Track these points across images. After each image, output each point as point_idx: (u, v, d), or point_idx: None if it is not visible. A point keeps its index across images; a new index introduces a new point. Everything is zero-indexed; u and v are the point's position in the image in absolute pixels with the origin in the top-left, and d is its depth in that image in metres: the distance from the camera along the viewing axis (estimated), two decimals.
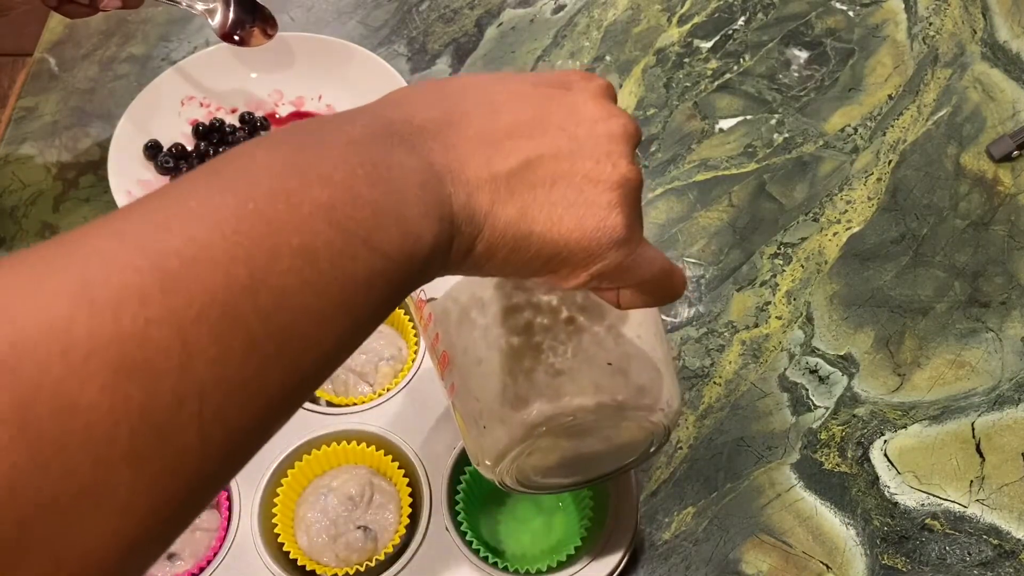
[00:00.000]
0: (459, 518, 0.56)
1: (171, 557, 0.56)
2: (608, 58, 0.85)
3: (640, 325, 0.44)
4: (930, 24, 0.86)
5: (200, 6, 0.73)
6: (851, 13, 0.88)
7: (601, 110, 0.35)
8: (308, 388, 0.28)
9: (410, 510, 0.57)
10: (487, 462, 0.44)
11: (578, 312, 0.43)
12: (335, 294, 0.28)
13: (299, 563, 0.55)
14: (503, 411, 0.42)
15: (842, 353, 0.67)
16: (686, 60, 0.85)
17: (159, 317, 0.23)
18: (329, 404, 0.61)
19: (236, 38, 0.74)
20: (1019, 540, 0.60)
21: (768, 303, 0.70)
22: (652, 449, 0.47)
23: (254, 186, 0.27)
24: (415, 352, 0.63)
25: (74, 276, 0.23)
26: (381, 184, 0.30)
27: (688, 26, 0.87)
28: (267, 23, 0.75)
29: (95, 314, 0.22)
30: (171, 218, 0.25)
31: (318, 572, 0.55)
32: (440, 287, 0.45)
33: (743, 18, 0.88)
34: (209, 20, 0.73)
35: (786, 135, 0.79)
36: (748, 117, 0.81)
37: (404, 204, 0.30)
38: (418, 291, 0.46)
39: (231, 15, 0.73)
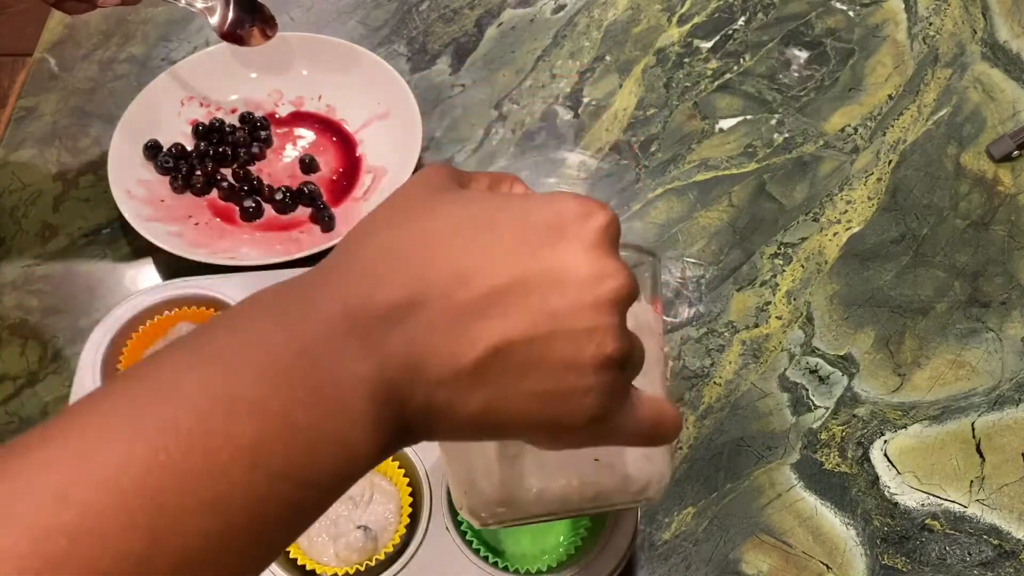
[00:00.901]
0: (459, 518, 0.56)
1: None
2: (608, 58, 0.85)
3: None
4: (930, 24, 0.86)
5: (199, 4, 0.73)
6: (851, 13, 0.88)
7: (592, 269, 0.30)
8: None
9: (410, 510, 0.57)
10: (469, 516, 0.44)
11: None
12: (248, 539, 0.26)
13: (299, 563, 0.55)
14: (487, 491, 0.42)
15: (842, 353, 0.67)
16: (686, 60, 0.85)
17: None
18: None
19: (235, 37, 0.74)
20: (1019, 540, 0.60)
21: (768, 303, 0.70)
22: (640, 506, 0.47)
23: (170, 431, 0.25)
24: None
25: None
26: (323, 406, 0.27)
27: (688, 26, 0.87)
28: (267, 23, 0.75)
29: None
30: (70, 480, 0.23)
31: (318, 572, 0.55)
32: None
33: (743, 18, 0.88)
34: (208, 18, 0.73)
35: (786, 135, 0.79)
36: (748, 117, 0.81)
37: (348, 426, 0.28)
38: None
39: (231, 14, 0.73)
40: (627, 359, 0.32)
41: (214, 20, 0.73)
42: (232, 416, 0.26)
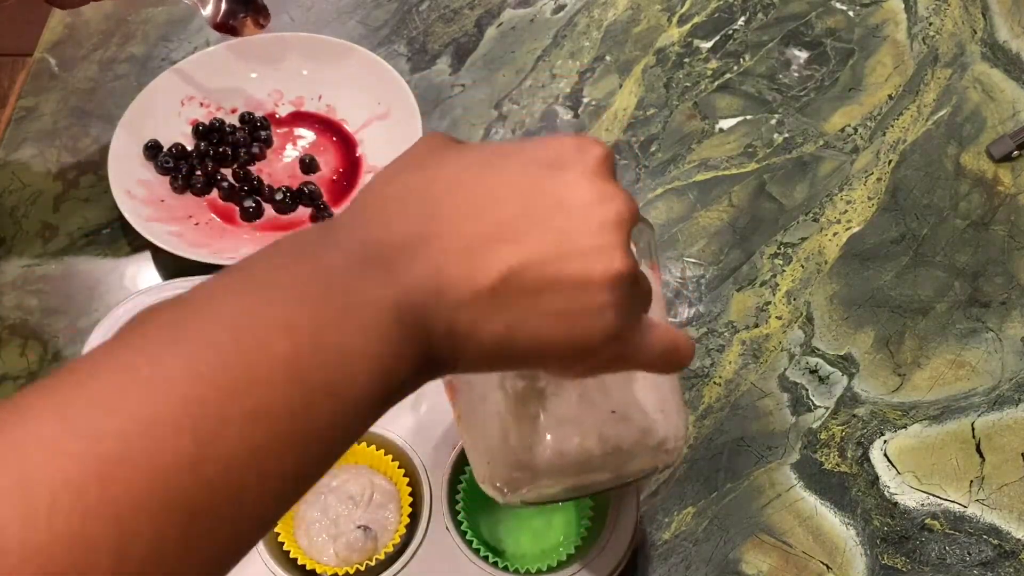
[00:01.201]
0: (459, 518, 0.56)
1: None
2: (608, 58, 0.85)
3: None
4: (930, 24, 0.86)
5: None
6: (851, 13, 0.88)
7: (594, 193, 0.32)
8: (261, 533, 0.28)
9: (410, 510, 0.57)
10: (493, 491, 0.45)
11: None
12: (290, 451, 0.27)
13: (299, 562, 0.55)
14: (506, 455, 0.42)
15: (842, 353, 0.67)
16: (686, 60, 0.85)
17: (95, 510, 0.23)
18: None
19: (229, 28, 0.74)
20: (1019, 540, 0.60)
21: (768, 303, 0.70)
22: (658, 473, 0.47)
23: (209, 346, 0.26)
24: None
25: (12, 471, 0.22)
26: (352, 324, 0.29)
27: (688, 26, 0.87)
28: (260, 13, 0.74)
29: (29, 516, 0.22)
30: (116, 392, 0.25)
31: (318, 572, 0.55)
32: None
33: (743, 18, 0.88)
34: (201, 10, 0.73)
35: (786, 135, 0.80)
36: (748, 117, 0.81)
37: (377, 343, 0.29)
38: None
39: (223, 5, 0.73)
40: (635, 276, 0.33)
41: (207, 11, 0.73)
42: (266, 334, 0.27)
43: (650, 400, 0.43)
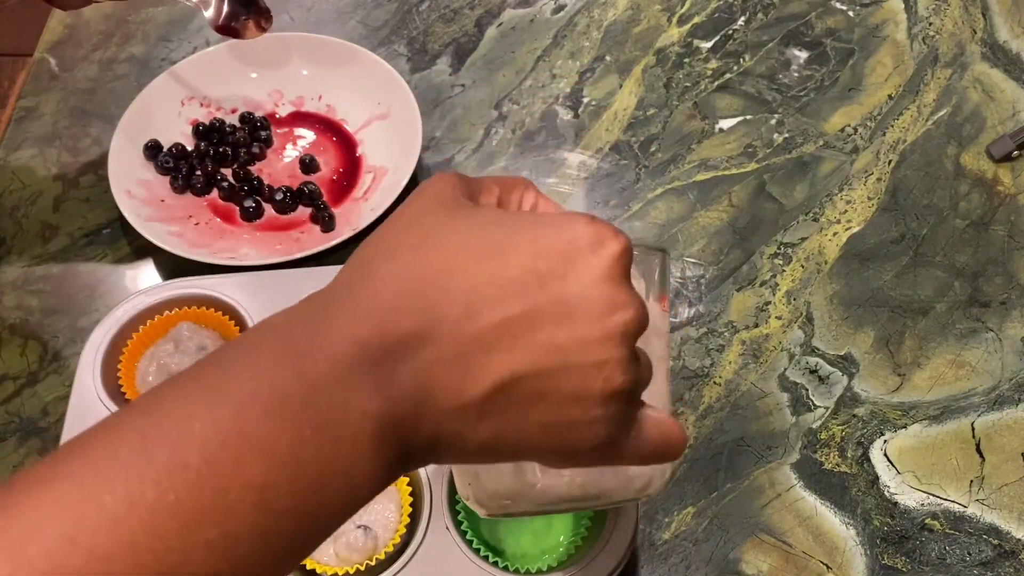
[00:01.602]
0: (459, 518, 0.56)
1: None
2: (608, 58, 0.85)
3: None
4: (930, 24, 0.86)
5: None
6: (851, 13, 0.88)
7: (602, 301, 0.30)
8: None
9: (410, 509, 0.57)
10: (473, 506, 0.44)
11: None
12: (252, 572, 0.26)
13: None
14: (489, 484, 0.42)
15: (842, 353, 0.67)
16: (686, 60, 0.85)
17: None
18: None
19: (230, 30, 0.74)
20: (1019, 540, 0.60)
21: (768, 303, 0.70)
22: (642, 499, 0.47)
23: (179, 470, 0.25)
24: None
25: None
26: (330, 445, 0.27)
27: (688, 26, 0.87)
28: (262, 15, 0.74)
29: None
30: (79, 522, 0.24)
31: (318, 571, 0.55)
32: None
33: (743, 18, 0.88)
34: (204, 11, 0.73)
35: (786, 135, 0.80)
36: (748, 117, 0.81)
37: (353, 462, 0.28)
38: None
39: (225, 7, 0.73)
40: (634, 390, 0.32)
41: (209, 13, 0.73)
42: (240, 455, 0.26)
43: None
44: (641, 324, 0.31)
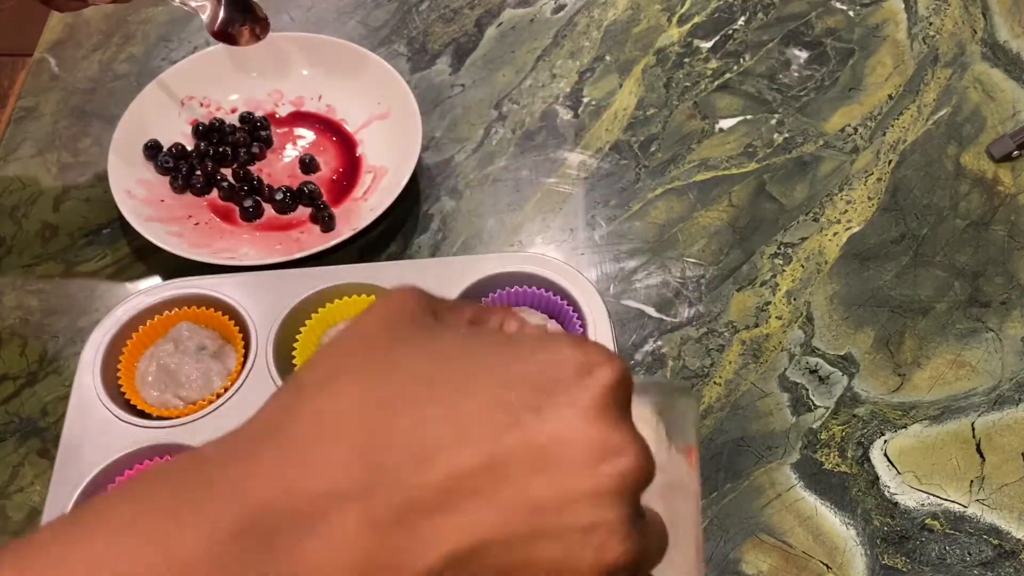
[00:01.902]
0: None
1: None
2: (608, 58, 0.85)
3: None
4: (930, 24, 0.86)
5: (192, 3, 0.73)
6: (851, 13, 0.88)
7: (591, 444, 0.23)
8: None
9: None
10: None
11: None
12: None
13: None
14: None
15: (842, 353, 0.67)
16: (686, 60, 0.85)
17: None
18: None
19: (227, 36, 0.74)
20: (1019, 540, 0.60)
21: (768, 303, 0.70)
22: None
23: None
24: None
25: None
26: None
27: (688, 26, 0.87)
28: (258, 23, 0.74)
29: None
30: None
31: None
32: None
33: (743, 18, 0.88)
34: (200, 16, 0.74)
35: (786, 135, 0.79)
36: (748, 117, 0.81)
37: None
38: None
39: (222, 12, 0.73)
40: (638, 564, 0.25)
41: (206, 18, 0.73)
42: None
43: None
44: (644, 473, 0.24)
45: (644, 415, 0.33)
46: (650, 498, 0.31)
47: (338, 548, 0.22)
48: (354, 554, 0.22)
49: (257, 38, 0.74)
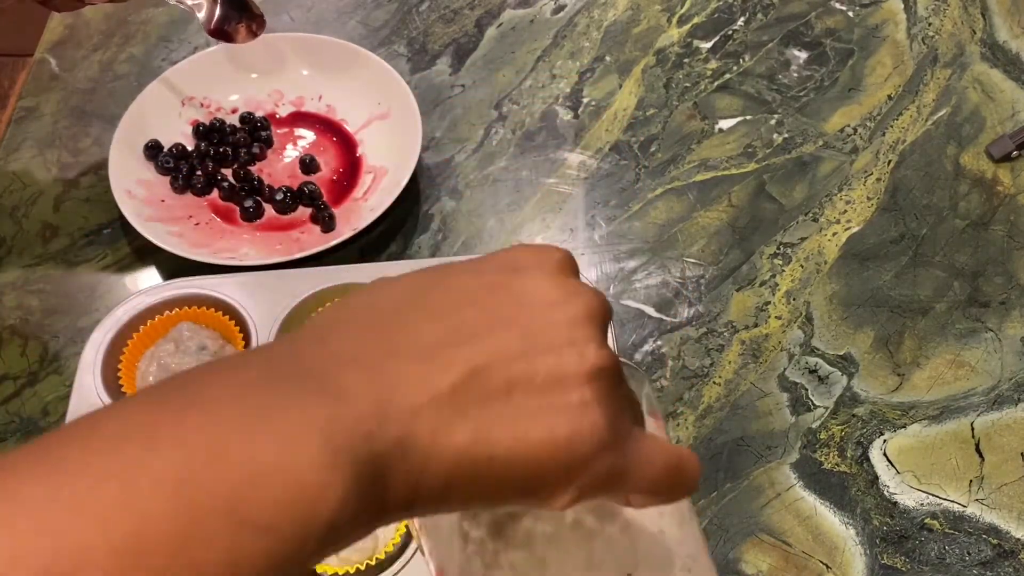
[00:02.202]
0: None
1: None
2: (608, 58, 0.85)
3: (662, 516, 0.37)
4: (930, 24, 0.86)
5: (189, 1, 0.74)
6: (851, 13, 0.88)
7: (557, 291, 0.30)
8: None
9: None
10: None
11: (585, 513, 0.36)
12: None
13: None
14: None
15: (842, 353, 0.67)
16: (686, 60, 0.85)
17: None
18: None
19: (223, 34, 0.74)
20: (1018, 540, 0.60)
21: (768, 303, 0.70)
22: None
23: (83, 465, 0.22)
24: None
25: None
26: (264, 435, 0.24)
27: (688, 26, 0.87)
28: (254, 20, 0.75)
29: None
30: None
31: (318, 571, 0.55)
32: None
33: (743, 18, 0.88)
34: (197, 15, 0.74)
35: (786, 135, 0.80)
36: (748, 117, 0.81)
37: (296, 456, 0.24)
38: None
39: (218, 10, 0.73)
40: (617, 372, 0.29)
41: (202, 17, 0.73)
42: (152, 446, 0.23)
43: (671, 559, 0.37)
44: (604, 308, 0.30)
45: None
46: (645, 516, 0.36)
47: (377, 375, 0.27)
48: (395, 373, 0.27)
49: (254, 35, 0.74)
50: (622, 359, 0.36)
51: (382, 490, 0.26)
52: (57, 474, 0.22)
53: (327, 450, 0.24)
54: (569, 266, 0.31)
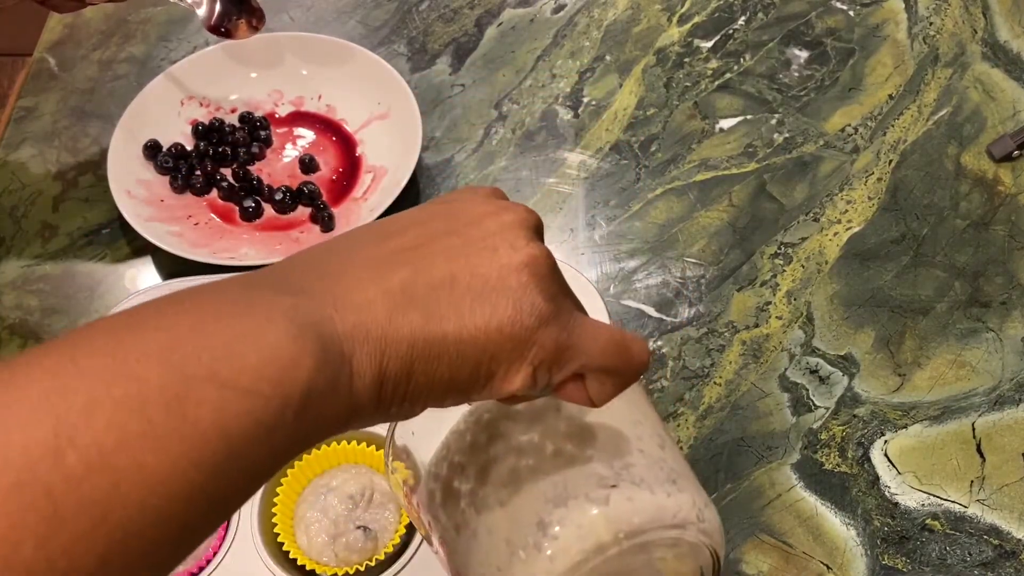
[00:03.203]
0: None
1: None
2: (608, 58, 0.85)
3: (639, 439, 0.38)
4: (930, 24, 0.86)
5: None
6: (851, 13, 0.88)
7: (490, 206, 0.33)
8: (157, 565, 0.25)
9: None
10: None
11: (563, 441, 0.38)
12: (174, 447, 0.24)
13: (299, 563, 0.55)
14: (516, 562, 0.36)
15: (842, 353, 0.67)
16: (686, 60, 0.85)
17: None
18: None
19: (223, 30, 0.74)
20: (1019, 540, 0.60)
21: (768, 303, 0.70)
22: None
23: (80, 342, 0.25)
24: None
25: None
26: (235, 316, 0.27)
27: (688, 26, 0.87)
28: (254, 15, 0.74)
29: None
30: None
31: (318, 572, 0.55)
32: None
33: (743, 18, 0.88)
34: (196, 11, 0.74)
35: (786, 135, 0.79)
36: (748, 117, 0.81)
37: (266, 327, 0.27)
38: (403, 485, 0.42)
39: (218, 7, 0.73)
40: (552, 263, 0.32)
41: (201, 13, 0.73)
42: (139, 330, 0.25)
43: (656, 471, 0.37)
44: (535, 218, 0.34)
45: None
46: (621, 437, 0.38)
47: (333, 274, 0.30)
48: (349, 275, 0.30)
49: (255, 30, 0.74)
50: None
51: (350, 369, 0.28)
52: (59, 357, 0.24)
53: (293, 326, 0.27)
54: (498, 194, 0.36)
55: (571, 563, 0.35)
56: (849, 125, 0.80)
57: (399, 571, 0.55)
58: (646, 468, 0.37)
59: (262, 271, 0.32)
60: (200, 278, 0.66)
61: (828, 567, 0.59)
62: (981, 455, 0.63)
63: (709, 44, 0.86)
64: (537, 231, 0.34)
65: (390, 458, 0.43)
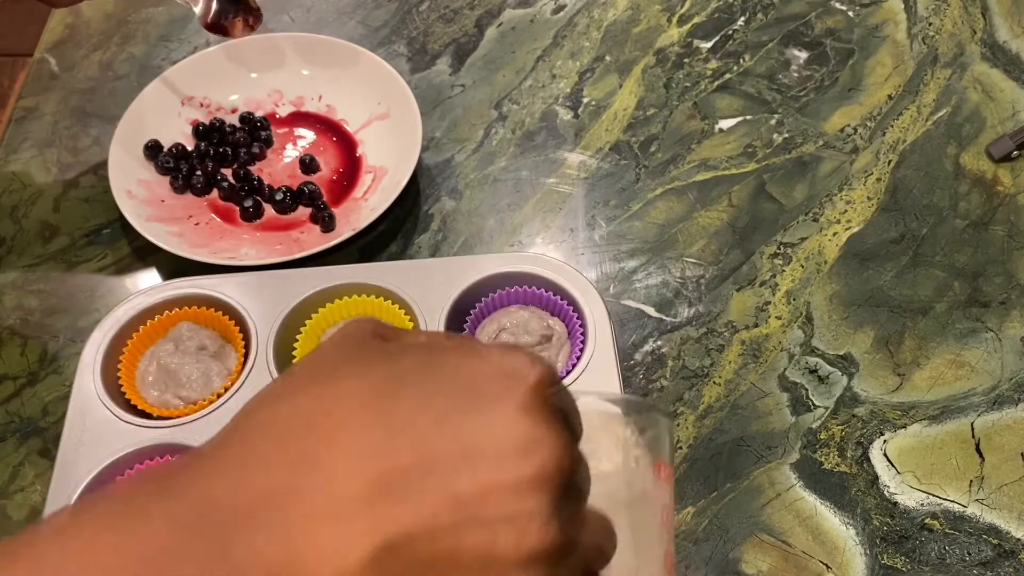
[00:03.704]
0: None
1: None
2: (608, 58, 0.85)
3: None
4: (930, 24, 0.86)
5: None
6: (851, 13, 0.88)
7: (514, 439, 0.25)
8: None
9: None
10: None
11: None
12: None
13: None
14: None
15: (842, 353, 0.67)
16: (686, 60, 0.85)
17: None
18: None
19: (220, 28, 0.74)
20: (1018, 540, 0.60)
21: (768, 303, 0.70)
22: None
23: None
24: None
25: None
26: None
27: (688, 26, 0.87)
28: (250, 13, 0.75)
29: None
30: None
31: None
32: None
33: (743, 18, 0.88)
34: (194, 8, 0.74)
35: (786, 135, 0.80)
36: (748, 117, 0.81)
37: None
38: None
39: (214, 4, 0.73)
40: (563, 550, 0.25)
41: (199, 11, 0.74)
42: None
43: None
44: (563, 464, 0.26)
45: (615, 430, 0.33)
46: (612, 510, 0.32)
47: (283, 539, 0.24)
48: (304, 540, 0.24)
49: (251, 29, 0.74)
50: (646, 399, 0.33)
51: None
52: None
53: None
54: (542, 396, 0.26)
55: None
56: (848, 125, 0.80)
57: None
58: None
59: (218, 483, 0.25)
60: (200, 278, 0.66)
61: (827, 566, 0.59)
62: (980, 455, 0.63)
63: (709, 44, 0.86)
64: (560, 489, 0.26)
65: None
